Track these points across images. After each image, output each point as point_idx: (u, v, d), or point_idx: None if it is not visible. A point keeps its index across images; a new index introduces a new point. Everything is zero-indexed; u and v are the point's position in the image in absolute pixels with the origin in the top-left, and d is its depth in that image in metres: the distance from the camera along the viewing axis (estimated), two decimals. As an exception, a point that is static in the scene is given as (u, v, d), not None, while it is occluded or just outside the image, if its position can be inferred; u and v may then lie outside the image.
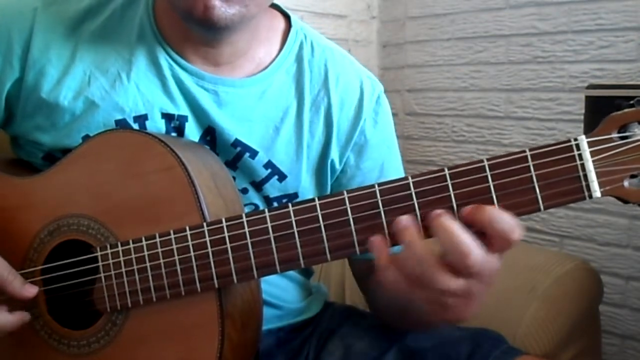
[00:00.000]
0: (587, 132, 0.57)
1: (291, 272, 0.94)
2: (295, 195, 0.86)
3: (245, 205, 0.84)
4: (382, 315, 0.89)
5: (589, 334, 1.16)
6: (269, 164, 0.83)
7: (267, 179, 0.84)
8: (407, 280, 0.59)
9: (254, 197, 0.85)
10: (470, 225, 0.57)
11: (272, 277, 0.86)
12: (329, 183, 0.89)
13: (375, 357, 0.85)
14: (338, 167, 0.88)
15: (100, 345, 0.72)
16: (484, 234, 0.57)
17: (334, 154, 0.87)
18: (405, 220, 0.59)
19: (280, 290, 0.91)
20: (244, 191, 0.84)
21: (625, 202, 0.57)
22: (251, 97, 0.82)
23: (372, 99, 0.89)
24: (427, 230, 0.59)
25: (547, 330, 1.06)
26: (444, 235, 0.57)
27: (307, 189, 0.87)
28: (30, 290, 0.71)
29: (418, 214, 0.59)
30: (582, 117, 0.79)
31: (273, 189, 0.85)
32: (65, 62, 0.78)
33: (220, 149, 0.82)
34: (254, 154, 0.82)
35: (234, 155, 0.82)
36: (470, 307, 0.62)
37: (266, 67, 0.84)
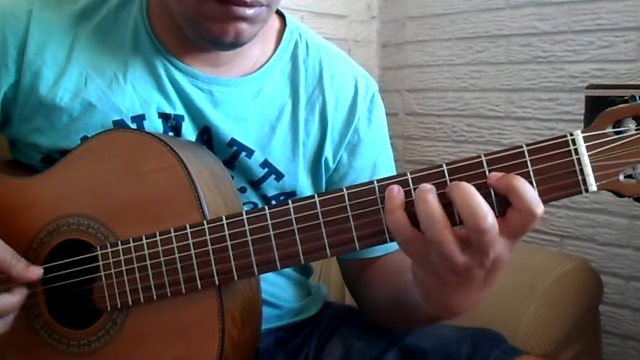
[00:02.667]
0: (586, 131, 0.58)
1: (291, 272, 0.94)
2: (294, 193, 0.86)
3: (244, 204, 0.84)
4: (376, 316, 0.89)
5: (589, 334, 1.16)
6: (265, 163, 0.84)
7: (264, 178, 0.84)
8: (411, 230, 0.58)
9: (252, 196, 0.85)
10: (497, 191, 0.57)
11: (271, 276, 0.87)
12: (324, 181, 0.89)
13: (374, 357, 0.85)
14: (332, 165, 0.88)
15: (101, 344, 0.72)
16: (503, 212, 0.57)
17: (328, 152, 0.87)
18: (427, 186, 0.58)
19: (279, 290, 0.91)
20: (242, 190, 0.84)
21: (621, 196, 0.58)
22: (246, 96, 0.82)
23: (367, 97, 0.90)
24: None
25: (547, 330, 1.06)
26: (461, 193, 0.56)
27: (304, 187, 0.87)
28: (35, 272, 0.71)
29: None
30: (582, 117, 0.79)
31: (271, 187, 0.85)
32: (61, 63, 0.78)
33: (216, 148, 0.82)
34: (250, 153, 0.82)
35: (231, 155, 0.82)
36: (465, 297, 0.62)
37: (261, 67, 0.84)
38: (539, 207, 0.56)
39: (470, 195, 0.56)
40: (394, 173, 0.91)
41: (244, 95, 0.82)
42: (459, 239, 0.57)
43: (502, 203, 0.58)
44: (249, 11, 0.70)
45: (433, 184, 0.59)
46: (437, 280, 0.61)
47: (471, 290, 0.61)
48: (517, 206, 0.56)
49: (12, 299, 0.69)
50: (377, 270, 0.87)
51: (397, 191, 0.59)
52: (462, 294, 0.62)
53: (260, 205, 0.85)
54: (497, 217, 0.56)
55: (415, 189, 0.59)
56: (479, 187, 0.57)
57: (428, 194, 0.57)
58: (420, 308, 0.68)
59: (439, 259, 0.58)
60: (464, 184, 0.57)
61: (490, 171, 0.58)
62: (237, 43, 0.73)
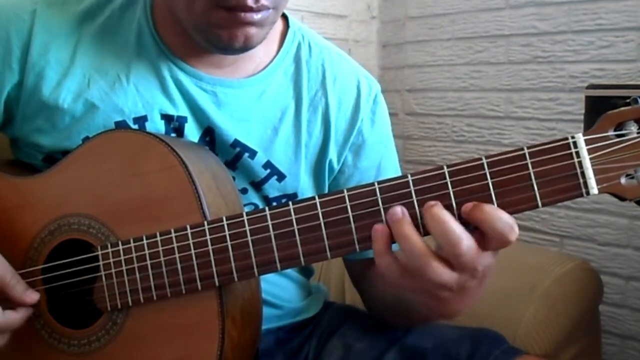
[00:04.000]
0: (587, 131, 0.58)
1: (291, 272, 0.94)
2: (295, 195, 0.86)
3: (245, 205, 0.84)
4: (379, 312, 0.89)
5: (589, 334, 1.16)
6: (268, 164, 0.84)
7: (267, 179, 0.84)
8: (401, 270, 0.60)
9: (253, 197, 0.85)
10: (469, 222, 0.58)
11: (272, 277, 0.87)
12: (327, 183, 0.89)
13: (375, 357, 0.85)
14: (336, 166, 0.89)
15: (101, 344, 0.72)
16: (480, 231, 0.58)
17: (332, 154, 0.87)
18: (398, 212, 0.59)
19: (280, 290, 0.91)
20: (244, 191, 0.84)
21: (622, 199, 0.58)
22: (249, 97, 0.83)
23: (370, 98, 0.90)
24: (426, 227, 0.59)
25: (547, 330, 1.06)
26: (435, 223, 0.58)
27: (305, 189, 0.87)
28: (32, 297, 0.71)
29: (417, 211, 0.60)
30: (582, 117, 0.79)
31: (272, 189, 0.85)
32: (65, 64, 0.78)
33: (219, 149, 0.82)
34: (253, 154, 0.83)
35: (234, 156, 0.82)
36: (464, 302, 0.63)
37: (265, 68, 0.84)
38: (511, 234, 0.57)
39: (444, 222, 0.57)
40: (399, 172, 0.92)
41: (247, 96, 0.82)
42: (445, 261, 0.58)
43: None
44: (257, 16, 0.71)
45: (433, 185, 0.59)
46: (433, 299, 0.62)
47: (468, 297, 0.62)
48: (489, 235, 0.57)
49: (16, 315, 0.70)
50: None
51: (380, 231, 0.60)
52: (459, 302, 0.63)
53: (261, 207, 0.85)
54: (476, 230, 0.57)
55: (416, 191, 0.60)
56: (479, 189, 0.58)
57: (403, 227, 0.58)
58: (420, 310, 0.70)
59: (431, 284, 0.59)
60: (437, 211, 0.58)
61: (491, 174, 0.58)
62: (246, 47, 0.74)
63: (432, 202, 0.59)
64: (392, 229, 0.59)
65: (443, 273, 0.58)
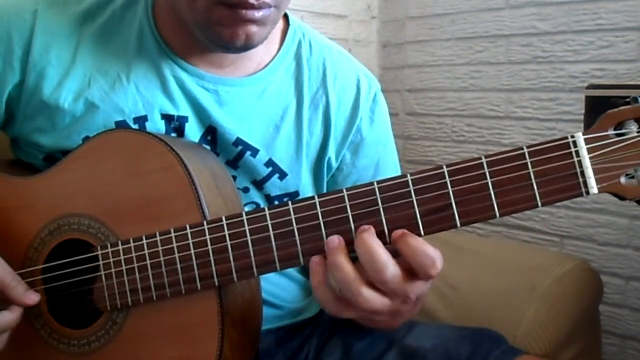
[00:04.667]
0: (587, 131, 0.58)
1: (292, 272, 0.94)
2: (296, 193, 0.86)
3: (247, 204, 0.85)
4: None
5: (589, 334, 1.16)
6: (269, 162, 0.84)
7: (268, 177, 0.84)
8: (337, 300, 0.60)
9: (255, 196, 0.85)
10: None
11: (272, 277, 0.87)
12: (325, 181, 0.89)
13: (375, 357, 0.85)
14: (334, 165, 0.89)
15: (101, 344, 0.72)
16: None
17: (331, 152, 0.87)
18: (335, 240, 0.60)
19: (280, 290, 0.91)
20: (245, 190, 0.84)
21: (622, 198, 0.57)
22: (251, 96, 0.83)
23: (369, 97, 0.90)
24: (426, 226, 0.60)
25: (547, 330, 1.06)
26: (363, 249, 0.58)
27: (306, 187, 0.87)
28: (32, 298, 0.71)
29: (417, 211, 0.60)
30: (582, 117, 0.79)
31: (274, 187, 0.85)
32: (66, 64, 0.78)
33: (221, 148, 0.82)
34: (255, 152, 0.83)
35: (236, 155, 0.82)
36: (399, 321, 0.65)
37: (266, 66, 0.84)
38: (432, 269, 0.57)
39: (370, 248, 0.58)
40: (399, 171, 0.92)
41: (249, 94, 0.82)
42: (375, 288, 0.59)
43: None
44: (258, 14, 0.70)
45: (432, 184, 0.59)
46: (369, 322, 0.65)
47: (402, 318, 0.65)
48: (413, 266, 0.58)
49: (12, 316, 0.70)
50: None
51: (317, 263, 0.61)
52: (394, 322, 0.65)
53: (263, 206, 0.85)
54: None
55: (415, 191, 0.60)
56: (478, 189, 0.58)
57: (336, 256, 0.59)
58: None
59: (364, 312, 0.60)
60: (366, 237, 0.59)
61: (490, 173, 0.58)
62: (248, 46, 0.73)
63: (365, 227, 0.60)
64: (327, 257, 0.60)
65: (375, 300, 0.59)
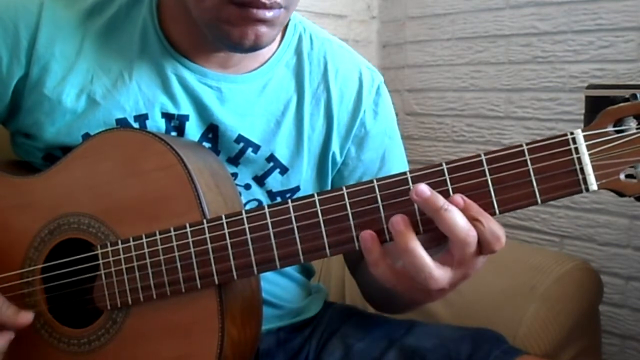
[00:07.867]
0: (586, 131, 0.58)
1: (292, 272, 0.94)
2: (297, 188, 0.86)
3: (249, 201, 0.85)
4: (372, 298, 0.90)
5: (589, 334, 1.16)
6: (271, 157, 0.84)
7: (269, 172, 0.84)
8: (398, 276, 0.60)
9: (257, 192, 0.85)
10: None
11: (272, 277, 0.87)
12: (330, 176, 0.89)
13: (375, 357, 0.85)
14: (339, 159, 0.88)
15: (101, 343, 0.72)
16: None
17: (335, 146, 0.87)
18: (398, 223, 0.59)
19: (280, 290, 0.91)
20: (247, 187, 0.84)
21: (622, 195, 0.57)
22: (252, 92, 0.82)
23: (372, 90, 0.90)
24: (425, 224, 0.60)
25: (547, 330, 1.06)
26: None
27: (308, 182, 0.87)
28: (25, 317, 0.71)
29: (417, 208, 0.60)
30: (582, 117, 0.79)
31: (275, 182, 0.85)
32: (70, 59, 0.78)
33: (222, 145, 0.82)
34: (256, 148, 0.83)
35: (237, 151, 0.82)
36: (449, 293, 0.64)
37: (266, 61, 0.84)
38: (498, 244, 0.58)
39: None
40: (405, 164, 0.92)
41: (250, 90, 0.82)
42: (443, 265, 0.59)
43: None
44: (269, 14, 0.70)
45: (432, 182, 0.59)
46: (424, 294, 0.63)
47: (453, 290, 0.63)
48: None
49: (2, 341, 0.71)
50: None
51: (371, 240, 0.60)
52: (446, 294, 0.64)
53: (265, 202, 0.85)
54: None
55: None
56: (478, 186, 0.57)
57: (408, 242, 0.58)
58: (404, 299, 0.72)
59: (427, 287, 0.60)
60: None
61: (490, 170, 0.58)
62: (256, 46, 0.73)
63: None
64: (395, 239, 0.59)
65: (444, 279, 0.59)
